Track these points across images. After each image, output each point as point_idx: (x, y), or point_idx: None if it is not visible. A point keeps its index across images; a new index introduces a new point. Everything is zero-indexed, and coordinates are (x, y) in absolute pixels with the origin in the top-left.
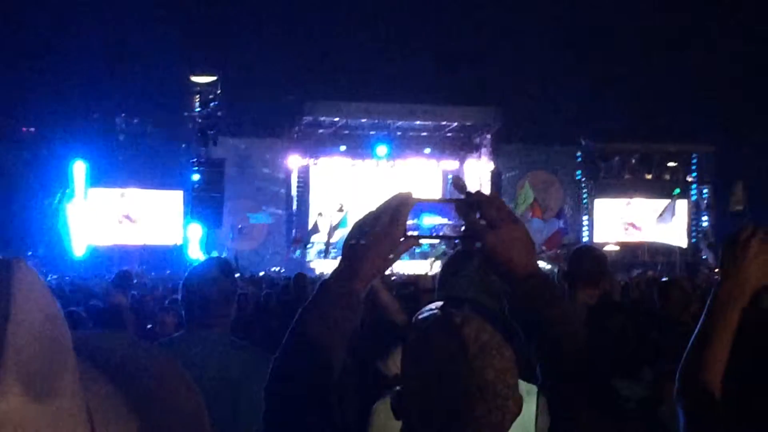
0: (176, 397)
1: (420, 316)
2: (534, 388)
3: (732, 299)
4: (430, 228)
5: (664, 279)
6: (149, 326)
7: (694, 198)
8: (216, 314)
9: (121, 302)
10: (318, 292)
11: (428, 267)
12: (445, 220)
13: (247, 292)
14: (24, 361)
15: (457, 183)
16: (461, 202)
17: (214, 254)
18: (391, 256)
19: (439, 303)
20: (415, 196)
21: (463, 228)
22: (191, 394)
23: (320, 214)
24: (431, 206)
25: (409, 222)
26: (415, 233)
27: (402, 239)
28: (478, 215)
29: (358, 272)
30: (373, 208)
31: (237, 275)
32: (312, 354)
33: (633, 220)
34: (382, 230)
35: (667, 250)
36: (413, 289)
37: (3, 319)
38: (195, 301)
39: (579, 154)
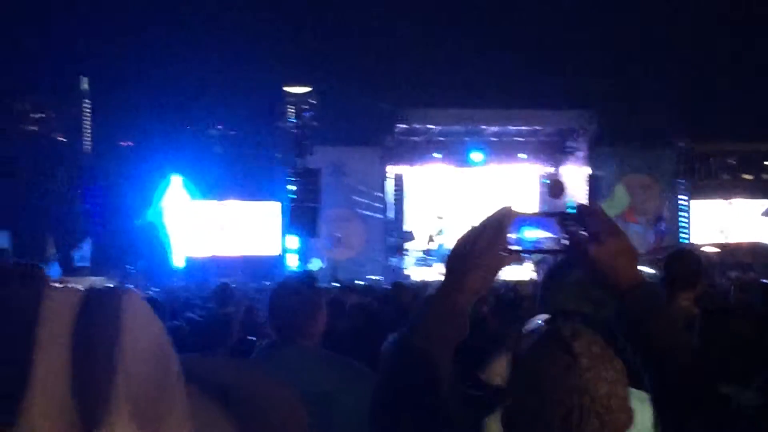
0: (284, 422)
1: (528, 329)
2: (646, 396)
3: None
4: (532, 241)
5: (765, 281)
6: (252, 338)
7: None
8: (302, 326)
9: (229, 313)
10: (423, 307)
11: (527, 272)
12: (547, 233)
13: (345, 300)
14: (134, 388)
15: (554, 185)
16: (563, 214)
17: (314, 264)
18: (494, 270)
19: (546, 316)
20: (515, 209)
21: (565, 241)
22: (299, 418)
23: (417, 222)
24: (532, 219)
25: (511, 236)
26: (518, 247)
27: (504, 253)
28: (580, 227)
29: (462, 287)
30: (475, 223)
31: (337, 284)
32: (420, 371)
33: (732, 222)
34: (485, 245)
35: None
36: (513, 295)
37: (113, 347)
38: (281, 315)
39: (675, 155)
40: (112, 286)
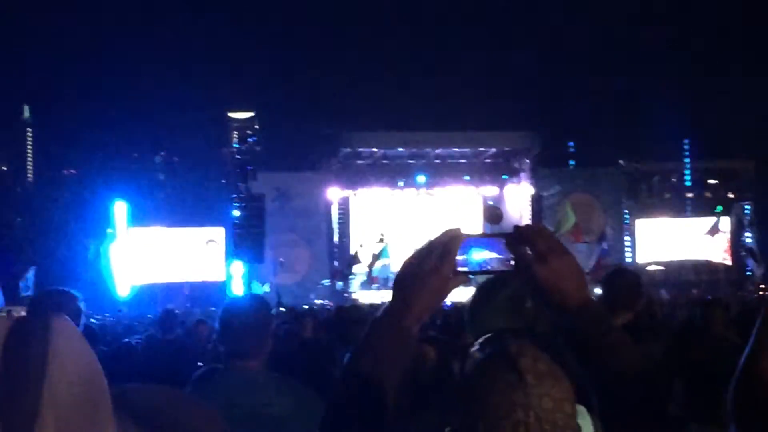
0: None
1: (473, 350)
2: (583, 408)
3: None
4: (479, 263)
5: (707, 298)
6: (199, 364)
7: (735, 215)
8: (251, 347)
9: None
10: (369, 330)
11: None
12: (494, 254)
13: (291, 325)
14: (61, 414)
15: (492, 213)
16: (510, 235)
17: (259, 289)
18: (442, 292)
19: (490, 335)
20: (463, 231)
21: (512, 262)
22: None
23: (361, 245)
24: (480, 241)
25: (459, 257)
26: (465, 269)
27: (452, 275)
28: (527, 248)
29: (409, 309)
30: (423, 244)
31: (282, 309)
32: (366, 394)
33: (675, 239)
34: (433, 267)
35: (711, 268)
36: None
37: (39, 381)
38: (230, 334)
39: (619, 175)
40: (42, 313)
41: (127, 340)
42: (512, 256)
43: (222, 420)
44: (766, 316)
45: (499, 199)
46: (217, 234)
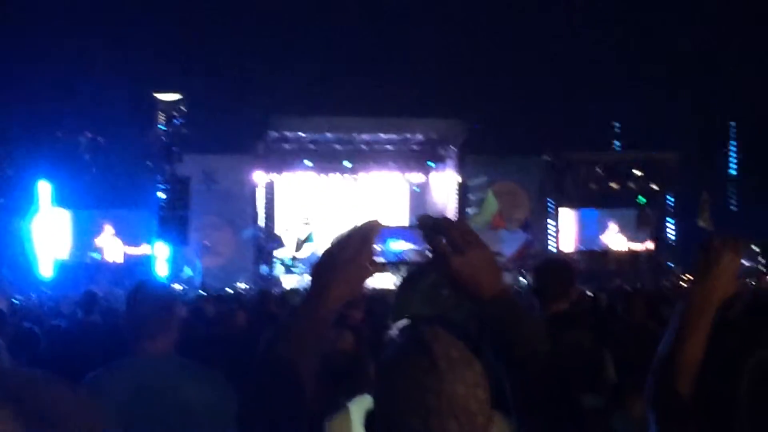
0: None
1: (390, 334)
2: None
3: (704, 306)
4: (396, 253)
5: (628, 289)
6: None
7: (658, 206)
8: (156, 330)
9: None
10: (288, 317)
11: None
12: (411, 245)
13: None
14: None
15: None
16: (425, 226)
17: (184, 272)
18: (359, 282)
19: (406, 321)
20: (381, 222)
21: (429, 253)
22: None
23: (286, 229)
24: (398, 231)
25: (376, 248)
26: (382, 259)
27: (369, 265)
28: (443, 240)
29: (326, 298)
30: (341, 234)
31: (203, 292)
32: (284, 380)
33: (599, 229)
34: (350, 257)
35: (633, 259)
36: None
37: None
38: (135, 314)
39: (543, 164)
40: None
41: (56, 322)
42: (429, 246)
43: (101, 413)
44: (684, 308)
45: (424, 186)
46: (141, 215)
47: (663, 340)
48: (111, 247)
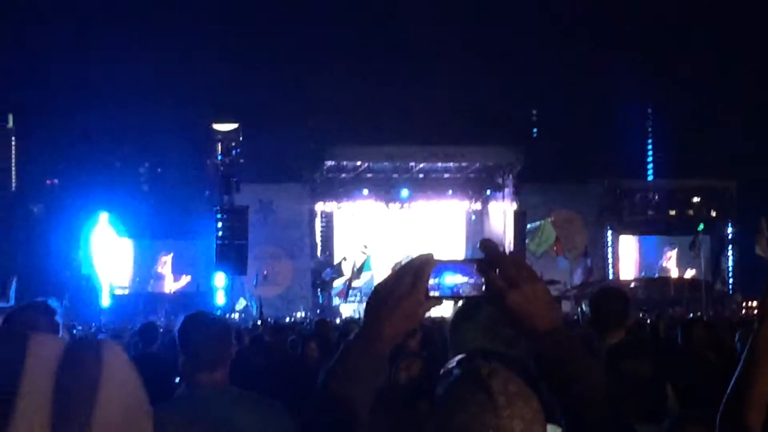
0: None
1: (446, 369)
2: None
3: None
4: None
5: (688, 317)
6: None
7: (717, 233)
8: (211, 360)
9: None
10: (342, 353)
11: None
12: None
13: (266, 338)
14: None
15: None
16: (481, 260)
17: (240, 302)
18: (414, 317)
19: (464, 355)
20: (435, 256)
21: (483, 287)
22: None
23: (344, 258)
24: (452, 265)
25: (431, 282)
26: (437, 293)
27: (424, 300)
28: (498, 273)
29: (380, 334)
30: (395, 268)
31: (259, 323)
32: (337, 416)
33: (658, 257)
34: (405, 291)
35: (692, 286)
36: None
37: (91, 398)
38: (189, 348)
39: (601, 191)
40: (91, 338)
41: None
42: (484, 280)
43: None
44: (754, 344)
45: (481, 214)
46: (200, 246)
47: (735, 375)
48: (168, 277)
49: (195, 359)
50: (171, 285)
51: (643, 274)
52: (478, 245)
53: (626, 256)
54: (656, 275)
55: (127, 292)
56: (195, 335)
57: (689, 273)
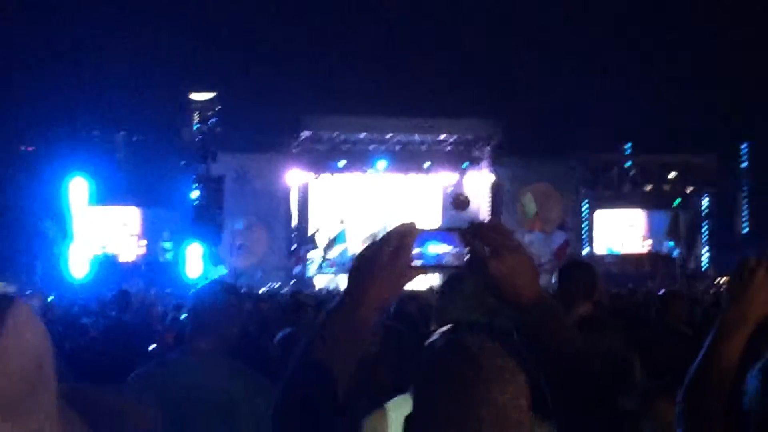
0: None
1: (432, 340)
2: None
3: (738, 325)
4: (434, 257)
5: (663, 291)
6: (153, 346)
7: (692, 209)
8: (217, 335)
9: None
10: (323, 322)
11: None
12: (449, 248)
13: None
14: (4, 385)
15: (458, 199)
16: (465, 230)
17: (217, 271)
18: (396, 286)
19: (449, 326)
20: (418, 225)
21: (467, 256)
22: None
23: (318, 229)
24: (435, 234)
25: (414, 251)
26: (419, 262)
27: (406, 269)
28: (481, 242)
29: (362, 303)
30: (377, 237)
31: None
32: (318, 384)
33: (633, 231)
34: (387, 261)
35: (667, 261)
36: (415, 304)
37: None
38: (203, 318)
39: (578, 165)
40: (5, 293)
41: (84, 321)
42: (467, 249)
43: (152, 419)
44: (721, 322)
45: (458, 187)
46: (175, 214)
47: (700, 355)
48: (142, 245)
49: (197, 328)
50: (141, 252)
51: (617, 249)
52: (455, 216)
53: (602, 230)
54: (631, 251)
55: (101, 260)
56: (200, 305)
57: (665, 248)
